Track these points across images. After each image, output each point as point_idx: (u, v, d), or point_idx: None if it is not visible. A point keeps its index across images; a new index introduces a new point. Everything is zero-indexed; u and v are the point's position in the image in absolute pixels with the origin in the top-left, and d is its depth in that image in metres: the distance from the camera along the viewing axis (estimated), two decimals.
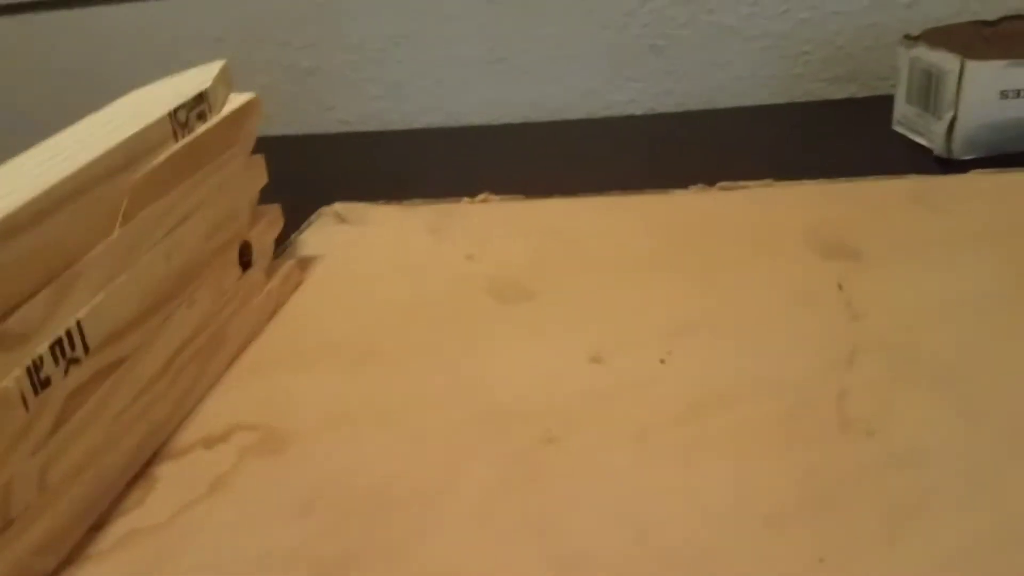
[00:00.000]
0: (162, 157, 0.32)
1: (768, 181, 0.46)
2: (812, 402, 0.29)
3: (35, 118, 0.75)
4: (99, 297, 0.28)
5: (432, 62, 0.69)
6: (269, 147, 0.41)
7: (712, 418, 0.29)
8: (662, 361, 0.33)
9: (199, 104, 0.35)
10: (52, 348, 0.26)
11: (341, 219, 0.51)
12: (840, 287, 0.36)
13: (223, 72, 0.38)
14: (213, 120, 0.36)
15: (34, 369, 0.25)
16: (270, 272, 0.41)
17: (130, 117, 0.33)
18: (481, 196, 0.51)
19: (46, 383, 0.26)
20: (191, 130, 0.35)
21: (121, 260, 0.30)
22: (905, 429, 0.28)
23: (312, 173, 0.61)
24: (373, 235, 0.48)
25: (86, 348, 0.27)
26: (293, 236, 0.48)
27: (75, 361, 0.27)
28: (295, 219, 0.50)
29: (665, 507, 0.26)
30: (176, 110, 0.34)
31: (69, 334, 0.27)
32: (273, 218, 0.42)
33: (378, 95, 0.71)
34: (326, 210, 0.52)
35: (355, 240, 0.48)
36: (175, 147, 0.33)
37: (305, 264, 0.45)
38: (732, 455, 0.28)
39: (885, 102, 0.55)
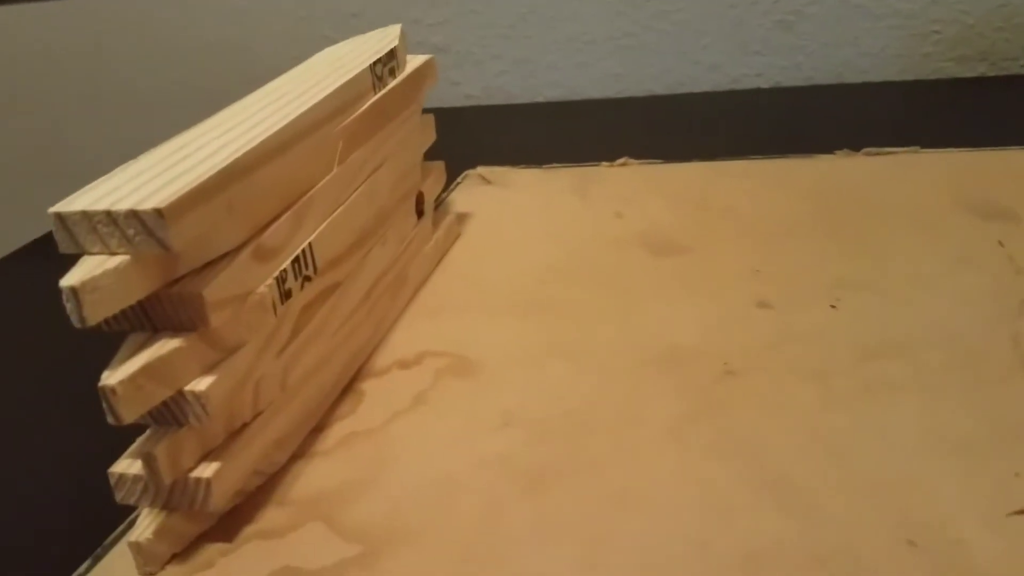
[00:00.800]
0: (366, 105, 0.35)
1: (914, 148, 0.47)
2: (988, 346, 0.31)
3: (180, 90, 0.80)
4: (324, 225, 0.31)
5: (558, 39, 0.71)
6: None
7: (891, 360, 0.31)
8: (832, 307, 0.34)
9: (391, 60, 0.38)
10: (293, 264, 0.29)
11: (486, 181, 0.53)
12: (1001, 244, 0.37)
13: (402, 34, 0.41)
14: (401, 76, 0.39)
15: (281, 280, 0.28)
16: (436, 223, 0.44)
17: (335, 68, 0.36)
18: (621, 160, 0.53)
19: (288, 294, 0.29)
20: (385, 84, 0.38)
21: (338, 196, 0.33)
22: None
23: (447, 142, 0.64)
24: (518, 195, 0.51)
25: (315, 268, 0.30)
26: (443, 195, 0.51)
27: (308, 279, 0.30)
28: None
29: (855, 437, 0.27)
30: (375, 64, 0.37)
31: (304, 253, 0.30)
32: (439, 174, 0.44)
33: (504, 71, 0.73)
34: (470, 173, 0.54)
35: (502, 200, 0.50)
36: (375, 97, 0.36)
37: (460, 220, 0.48)
38: (916, 393, 0.29)
39: (1017, 81, 0.55)
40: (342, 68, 0.35)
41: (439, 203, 0.50)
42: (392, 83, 0.38)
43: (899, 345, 0.31)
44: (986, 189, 0.42)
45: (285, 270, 0.29)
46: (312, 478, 0.29)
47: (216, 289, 0.25)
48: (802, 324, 0.33)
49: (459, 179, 0.54)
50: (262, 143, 0.27)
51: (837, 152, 0.48)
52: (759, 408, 0.29)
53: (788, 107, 0.61)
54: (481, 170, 0.54)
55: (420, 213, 0.42)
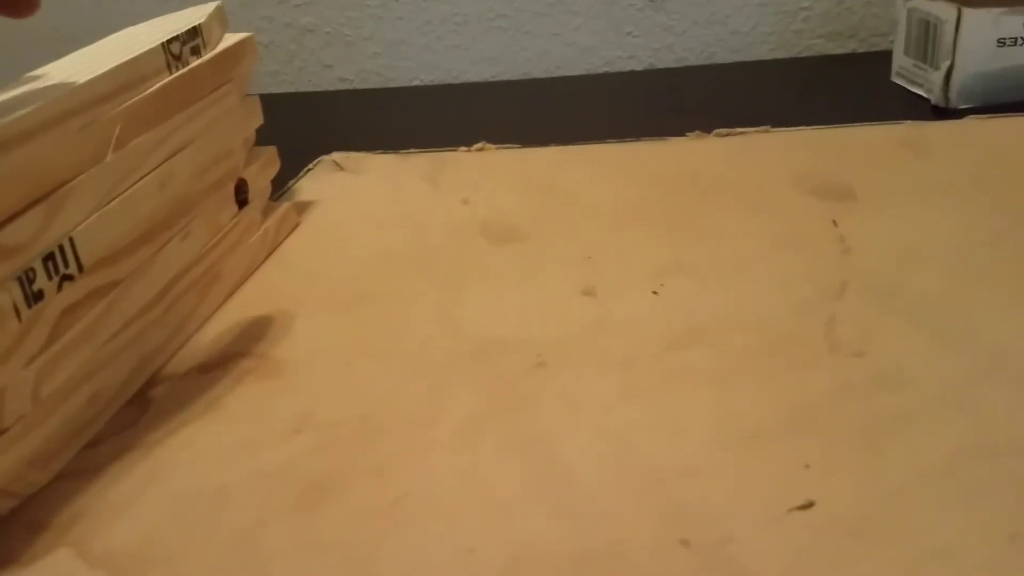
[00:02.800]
0: (155, 87, 0.32)
1: (764, 128, 0.46)
2: (801, 329, 0.29)
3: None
4: (93, 218, 0.28)
5: (432, 20, 0.68)
6: (268, 104, 0.41)
7: (701, 347, 0.29)
8: (655, 293, 0.33)
9: (193, 38, 0.36)
10: (45, 262, 0.26)
11: (339, 167, 0.51)
12: (834, 224, 0.36)
13: (218, 11, 0.38)
14: (207, 55, 0.36)
15: (27, 281, 0.25)
16: (267, 213, 0.41)
17: (124, 48, 0.33)
18: (477, 145, 0.51)
19: (39, 296, 0.26)
20: (185, 63, 0.35)
21: (115, 185, 0.30)
22: (891, 353, 0.28)
23: (311, 128, 0.61)
24: (370, 182, 0.48)
25: (80, 266, 0.28)
26: (291, 183, 0.49)
27: (69, 278, 0.27)
28: (294, 170, 0.50)
29: (649, 427, 0.26)
30: (170, 42, 0.34)
31: (62, 250, 0.27)
32: (269, 159, 0.42)
33: (377, 53, 0.71)
34: (324, 159, 0.52)
35: (352, 187, 0.48)
36: (168, 78, 0.33)
37: (302, 208, 0.45)
38: (719, 379, 0.28)
39: (885, 57, 0.55)
40: (130, 48, 0.33)
41: (285, 191, 0.48)
42: (195, 62, 0.35)
43: (711, 331, 0.30)
44: (828, 167, 0.41)
45: (32, 269, 0.26)
46: (75, 498, 0.26)
47: None
48: (621, 312, 0.32)
49: (311, 166, 0.51)
50: None
51: (688, 134, 0.46)
52: (559, 402, 0.28)
53: (659, 90, 0.59)
54: (335, 156, 0.52)
55: (243, 202, 0.39)
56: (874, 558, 0.21)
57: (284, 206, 0.43)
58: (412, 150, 0.52)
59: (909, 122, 0.45)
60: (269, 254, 0.40)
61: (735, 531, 0.22)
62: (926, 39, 0.49)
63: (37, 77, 0.30)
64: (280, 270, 0.39)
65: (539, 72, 0.68)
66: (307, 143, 0.54)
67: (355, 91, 0.71)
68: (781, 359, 0.28)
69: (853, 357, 0.28)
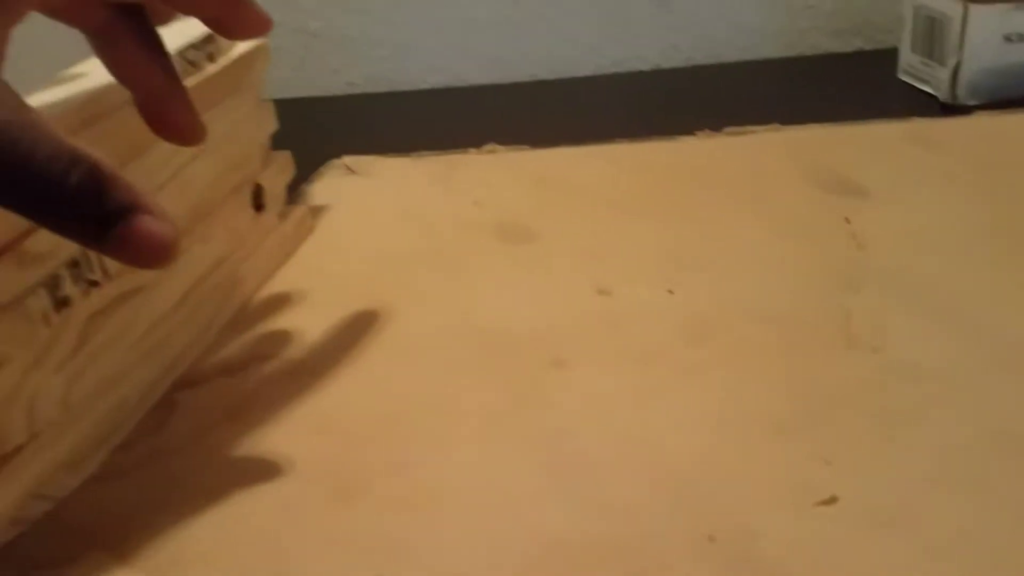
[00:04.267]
0: None
1: (774, 126, 0.46)
2: (818, 323, 0.30)
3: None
4: None
5: (438, 22, 0.69)
6: (277, 110, 0.42)
7: (718, 341, 0.30)
8: (670, 291, 0.33)
9: (208, 45, 0.36)
10: (70, 268, 0.26)
11: (350, 171, 0.51)
12: (847, 221, 0.36)
13: None
14: (222, 62, 0.37)
15: (53, 287, 0.26)
16: (283, 217, 0.41)
17: None
18: (487, 147, 0.51)
19: (65, 302, 0.26)
20: (200, 70, 0.35)
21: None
22: (908, 347, 0.28)
23: (320, 133, 0.61)
24: (381, 185, 0.49)
25: (104, 272, 0.28)
26: (303, 187, 0.49)
27: (94, 283, 0.27)
28: (305, 174, 0.51)
29: (668, 420, 0.26)
30: (185, 49, 0.34)
31: (87, 255, 0.27)
32: (284, 164, 0.42)
33: (384, 56, 0.71)
34: (335, 162, 0.52)
35: (364, 190, 0.48)
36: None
37: (315, 212, 0.45)
38: (738, 372, 0.28)
39: (891, 54, 0.55)
40: None
41: (297, 195, 0.48)
42: (211, 69, 0.36)
43: (730, 324, 0.30)
44: (840, 165, 0.41)
45: (58, 275, 0.26)
46: (105, 501, 0.27)
47: None
48: (637, 309, 0.32)
49: (321, 170, 0.51)
50: None
51: (698, 133, 0.47)
52: (579, 398, 0.28)
53: (666, 89, 0.60)
54: (346, 160, 0.52)
55: (260, 207, 0.39)
56: (895, 547, 0.21)
57: (300, 210, 0.43)
58: (423, 152, 0.52)
59: (918, 119, 0.46)
60: (287, 258, 0.41)
61: (760, 526, 0.22)
62: (932, 36, 0.50)
63: (65, 79, 0.30)
64: (297, 273, 0.40)
65: (546, 73, 0.68)
66: (316, 148, 0.54)
67: (362, 95, 0.71)
68: (801, 351, 0.28)
69: (872, 350, 0.28)
